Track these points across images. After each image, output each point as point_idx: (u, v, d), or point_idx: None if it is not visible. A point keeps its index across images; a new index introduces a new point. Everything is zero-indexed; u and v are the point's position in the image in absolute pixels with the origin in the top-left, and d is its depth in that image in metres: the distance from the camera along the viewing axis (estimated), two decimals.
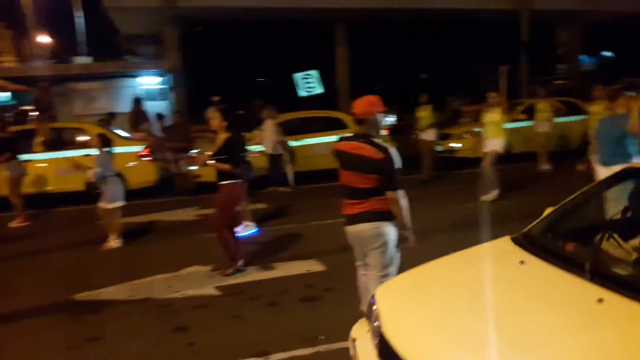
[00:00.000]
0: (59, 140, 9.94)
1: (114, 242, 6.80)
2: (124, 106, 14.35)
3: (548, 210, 3.22)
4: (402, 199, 3.42)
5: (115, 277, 5.59)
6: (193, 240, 6.95)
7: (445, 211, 7.73)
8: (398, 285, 2.90)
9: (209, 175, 8.16)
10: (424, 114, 10.39)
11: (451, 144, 11.64)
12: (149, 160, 9.87)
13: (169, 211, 8.72)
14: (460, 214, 7.54)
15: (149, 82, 16.86)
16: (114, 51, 24.13)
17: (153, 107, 14.46)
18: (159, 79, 16.92)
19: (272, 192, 9.91)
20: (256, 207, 8.17)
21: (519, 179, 9.72)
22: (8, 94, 49.58)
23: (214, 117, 5.62)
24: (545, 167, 10.82)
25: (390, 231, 3.51)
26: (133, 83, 16.57)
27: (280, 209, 8.64)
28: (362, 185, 3.45)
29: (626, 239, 2.76)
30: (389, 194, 3.41)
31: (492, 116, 8.40)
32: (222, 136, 5.54)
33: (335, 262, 5.61)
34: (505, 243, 2.98)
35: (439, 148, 10.67)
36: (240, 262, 5.58)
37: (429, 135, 10.34)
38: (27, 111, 19.68)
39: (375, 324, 2.62)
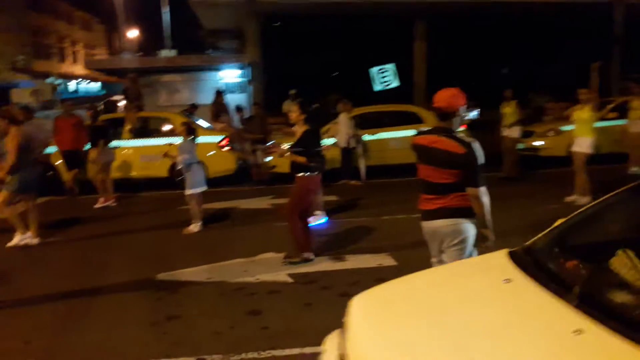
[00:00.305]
0: (145, 129, 10.50)
1: (194, 226, 7.11)
2: (205, 98, 14.89)
3: (559, 221, 2.92)
4: (484, 196, 3.30)
5: (194, 259, 5.86)
6: (268, 228, 7.12)
7: (526, 211, 7.42)
8: (374, 297, 2.73)
9: (283, 166, 8.34)
10: (509, 109, 9.98)
11: (534, 142, 11.13)
12: (228, 150, 10.22)
13: (246, 199, 8.98)
14: (541, 215, 7.20)
15: (229, 75, 17.37)
16: (197, 45, 25.09)
17: (232, 99, 14.92)
18: (239, 73, 17.39)
19: (343, 185, 9.94)
20: (328, 199, 8.23)
21: (606, 182, 9.12)
22: (98, 85, 52.83)
23: (293, 110, 5.71)
24: (637, 169, 10.10)
25: (469, 228, 3.41)
26: (214, 76, 17.15)
27: (351, 202, 8.65)
28: (441, 180, 3.37)
29: None
30: (470, 191, 3.29)
31: (582, 114, 7.93)
32: (301, 129, 5.62)
33: (408, 257, 5.55)
34: (499, 257, 2.73)
35: (520, 146, 10.21)
36: (307, 254, 5.66)
37: (513, 132, 9.92)
38: (116, 101, 20.97)
39: (343, 336, 2.54)
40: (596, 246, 2.70)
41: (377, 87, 11.37)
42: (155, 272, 5.54)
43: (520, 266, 2.54)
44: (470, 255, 3.46)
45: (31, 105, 18.26)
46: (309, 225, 5.84)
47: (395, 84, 11.27)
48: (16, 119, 6.63)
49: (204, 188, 7.17)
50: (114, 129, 10.38)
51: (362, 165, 10.26)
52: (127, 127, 10.20)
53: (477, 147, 3.28)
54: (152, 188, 10.05)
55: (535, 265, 2.54)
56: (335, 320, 4.18)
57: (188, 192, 7.05)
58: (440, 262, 3.57)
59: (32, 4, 41.54)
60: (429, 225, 3.52)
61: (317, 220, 7.19)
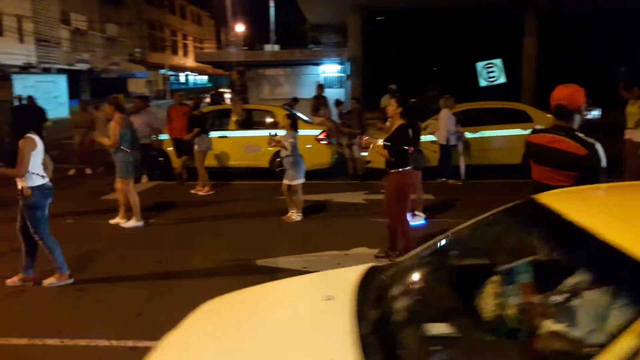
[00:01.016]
0: (249, 121, 10.91)
1: (295, 216, 7.32)
2: (306, 92, 15.18)
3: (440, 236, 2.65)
4: None
5: (290, 248, 6.04)
6: (362, 223, 7.13)
7: None
8: (217, 304, 2.72)
9: (379, 162, 8.29)
10: (633, 109, 9.01)
11: None
12: (325, 143, 10.34)
13: (340, 193, 9.06)
14: None
15: (329, 69, 17.58)
16: (298, 39, 25.65)
17: (331, 94, 15.09)
18: (338, 67, 17.55)
19: (441, 183, 9.69)
20: (424, 197, 8.07)
21: None
22: (205, 77, 55.45)
23: (391, 104, 5.64)
24: None
25: None
26: (315, 70, 17.43)
27: (449, 202, 8.42)
28: (558, 182, 3.14)
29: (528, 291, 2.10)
30: None
31: None
32: (396, 123, 5.53)
33: None
34: (356, 271, 2.53)
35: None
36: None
37: (636, 134, 9.00)
38: (223, 93, 22.02)
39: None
40: (466, 268, 2.43)
41: (483, 82, 10.95)
42: (254, 257, 5.76)
43: (362, 283, 2.37)
44: None
45: (146, 94, 19.66)
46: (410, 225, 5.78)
47: (502, 80, 10.79)
48: (122, 106, 7.09)
49: (303, 180, 7.34)
50: (219, 119, 10.93)
51: (462, 163, 9.94)
52: (233, 118, 10.64)
53: (599, 148, 3.04)
54: (248, 178, 10.44)
55: (373, 284, 2.38)
56: None
57: (295, 182, 7.23)
58: None
59: None
60: None
61: (416, 220, 7.07)
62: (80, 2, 31.91)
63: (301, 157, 7.34)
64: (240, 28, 46.24)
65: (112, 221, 7.22)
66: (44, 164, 5.00)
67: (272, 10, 28.33)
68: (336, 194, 8.96)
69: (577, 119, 3.19)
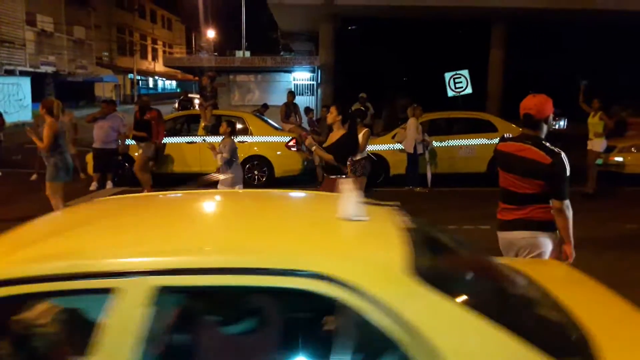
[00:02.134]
0: (219, 127, 10.79)
1: None
2: (276, 99, 15.18)
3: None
4: (567, 210, 3.14)
5: None
6: None
7: (603, 229, 7.03)
8: None
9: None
10: (593, 120, 9.34)
11: (615, 158, 10.49)
12: (295, 150, 10.32)
13: None
14: (618, 235, 6.82)
15: (300, 77, 17.63)
16: (269, 47, 25.66)
17: (301, 101, 15.15)
18: (310, 75, 17.61)
19: (408, 191, 9.80)
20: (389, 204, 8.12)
21: None
22: (174, 82, 54.53)
23: (330, 112, 5.40)
24: None
25: (547, 243, 3.26)
26: (286, 77, 17.45)
27: (414, 209, 8.41)
28: (523, 190, 3.24)
29: None
30: (555, 203, 3.14)
31: None
32: (338, 132, 5.33)
33: None
34: None
35: (599, 161, 9.59)
36: None
37: (596, 144, 9.33)
38: (192, 98, 21.81)
39: None
40: None
41: (451, 93, 11.15)
42: None
43: None
44: None
45: (113, 99, 19.30)
46: None
47: (468, 90, 11.01)
48: (52, 110, 6.80)
49: (239, 186, 7.07)
50: (188, 125, 10.85)
51: (428, 172, 10.07)
52: (202, 124, 10.54)
53: (564, 157, 3.13)
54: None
55: None
56: None
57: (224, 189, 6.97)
58: None
59: (120, 2, 43.84)
60: (505, 236, 3.40)
61: None
62: (46, 3, 31.20)
63: (239, 165, 7.11)
64: (211, 34, 46.02)
65: None
66: None
67: (243, 17, 28.28)
68: None
69: (545, 128, 3.27)
